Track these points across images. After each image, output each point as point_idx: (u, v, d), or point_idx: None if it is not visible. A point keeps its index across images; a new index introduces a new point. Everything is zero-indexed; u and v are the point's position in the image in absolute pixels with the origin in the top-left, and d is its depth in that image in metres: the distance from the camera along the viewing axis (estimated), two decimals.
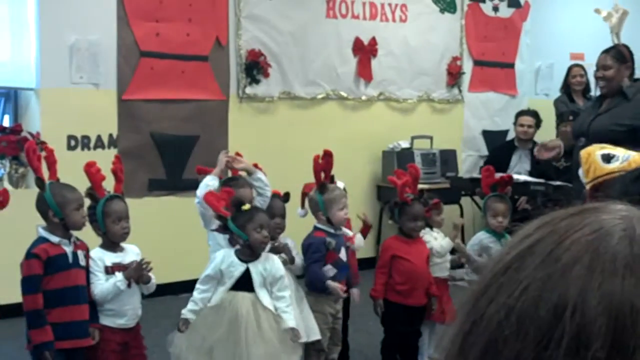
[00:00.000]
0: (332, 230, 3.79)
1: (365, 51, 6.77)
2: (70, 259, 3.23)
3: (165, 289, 4.41)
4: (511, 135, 7.04)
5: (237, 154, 3.88)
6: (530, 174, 6.04)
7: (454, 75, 7.39)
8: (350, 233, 4.05)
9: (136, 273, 3.31)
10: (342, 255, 3.81)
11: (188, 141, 5.89)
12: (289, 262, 3.71)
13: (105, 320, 3.31)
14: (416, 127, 6.93)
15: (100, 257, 3.34)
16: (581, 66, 6.87)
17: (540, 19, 7.99)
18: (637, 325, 0.50)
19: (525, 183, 5.53)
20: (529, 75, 8.05)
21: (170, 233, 5.64)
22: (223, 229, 3.37)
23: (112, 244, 3.39)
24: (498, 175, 4.24)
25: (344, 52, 6.68)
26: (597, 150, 2.47)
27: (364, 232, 4.15)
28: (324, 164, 3.81)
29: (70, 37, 5.36)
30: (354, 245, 3.99)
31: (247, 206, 3.33)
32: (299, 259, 3.82)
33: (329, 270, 3.72)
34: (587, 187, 2.43)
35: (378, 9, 6.85)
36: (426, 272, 3.98)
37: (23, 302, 3.15)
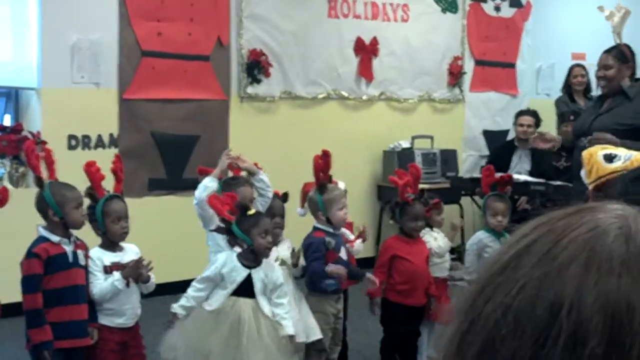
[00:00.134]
0: (331, 230, 3.79)
1: (366, 51, 6.78)
2: (71, 259, 3.23)
3: (165, 289, 4.41)
4: (512, 135, 7.04)
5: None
6: (531, 173, 6.04)
7: (455, 75, 7.39)
8: (351, 236, 4.05)
9: (134, 272, 3.31)
10: (343, 254, 3.81)
11: (189, 141, 5.90)
12: (292, 266, 3.72)
13: (104, 320, 3.32)
14: (417, 127, 6.94)
15: (99, 256, 3.35)
16: (582, 66, 6.87)
17: (542, 19, 7.99)
18: (634, 323, 0.50)
19: (526, 183, 5.53)
20: (530, 75, 8.05)
21: (170, 233, 5.64)
22: (222, 230, 3.36)
23: (111, 243, 3.39)
24: (498, 174, 4.25)
25: (345, 51, 6.68)
26: (599, 151, 2.47)
27: (361, 237, 4.16)
28: (323, 163, 3.80)
29: (71, 36, 5.36)
30: (353, 249, 4.00)
31: (252, 211, 3.33)
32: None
33: (335, 272, 3.69)
34: (590, 187, 2.44)
35: (379, 9, 6.86)
36: (426, 272, 3.99)
37: (23, 301, 3.15)
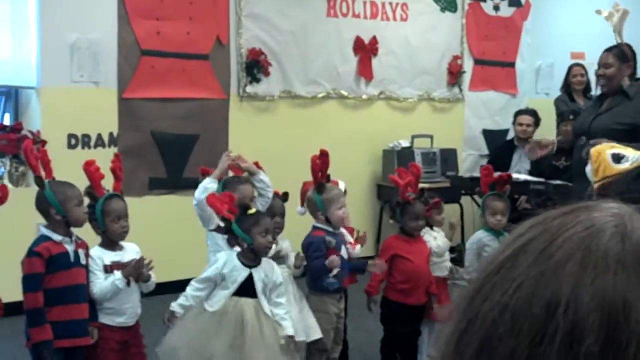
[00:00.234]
0: (331, 230, 3.79)
1: (366, 50, 6.78)
2: (72, 258, 3.23)
3: (165, 288, 4.40)
4: (511, 135, 7.04)
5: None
6: (531, 173, 6.04)
7: (454, 75, 7.39)
8: (351, 239, 4.05)
9: (135, 271, 3.31)
10: (344, 253, 3.81)
11: (189, 140, 5.90)
12: (294, 267, 3.72)
13: (104, 319, 3.31)
14: (417, 127, 6.94)
15: (100, 256, 3.34)
16: (582, 66, 6.87)
17: (541, 19, 7.99)
18: (630, 321, 0.51)
19: (525, 182, 5.53)
20: (529, 74, 8.04)
21: (170, 232, 5.64)
22: (222, 229, 3.36)
23: (111, 243, 3.39)
24: (497, 174, 4.25)
25: (345, 51, 6.68)
26: (607, 150, 2.46)
27: (360, 243, 4.17)
28: (321, 164, 3.80)
29: (71, 36, 5.36)
30: (353, 252, 4.00)
31: (253, 210, 3.33)
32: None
33: (334, 261, 3.67)
34: (595, 186, 2.42)
35: (379, 8, 6.86)
36: (427, 272, 3.99)
37: (24, 300, 3.15)
